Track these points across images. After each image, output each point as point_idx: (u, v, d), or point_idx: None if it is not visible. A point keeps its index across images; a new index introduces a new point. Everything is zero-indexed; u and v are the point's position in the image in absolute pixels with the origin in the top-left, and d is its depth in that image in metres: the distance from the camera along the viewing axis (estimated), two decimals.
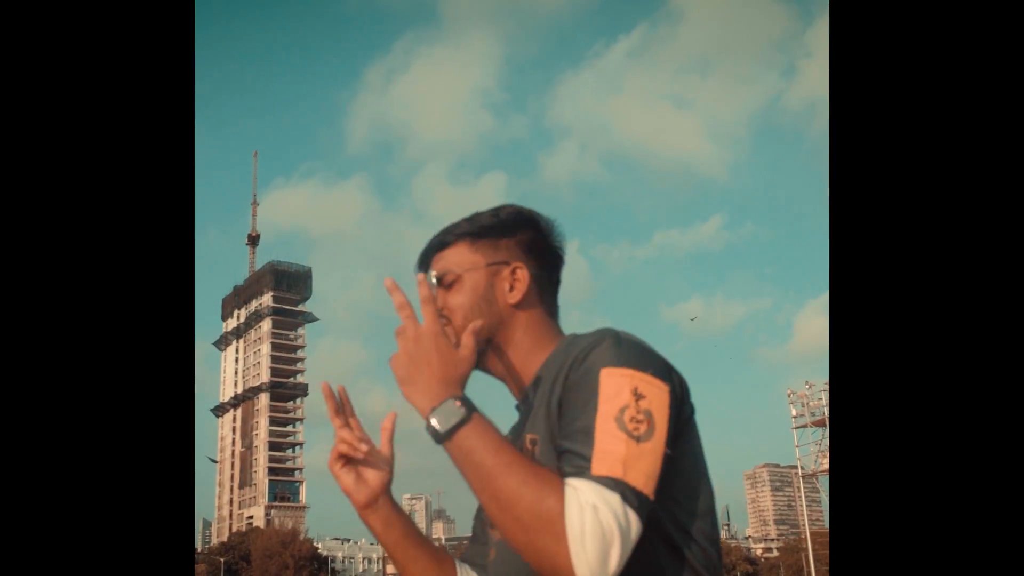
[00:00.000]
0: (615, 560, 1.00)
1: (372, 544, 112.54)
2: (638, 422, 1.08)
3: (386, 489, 1.31)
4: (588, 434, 1.07)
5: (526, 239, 1.35)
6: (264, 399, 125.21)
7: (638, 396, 1.09)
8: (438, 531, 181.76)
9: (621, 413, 1.08)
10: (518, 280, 1.32)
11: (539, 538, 1.02)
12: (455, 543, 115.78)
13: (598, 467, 1.04)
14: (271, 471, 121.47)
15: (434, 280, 1.34)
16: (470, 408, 1.12)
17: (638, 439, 1.07)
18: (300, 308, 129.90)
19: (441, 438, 1.11)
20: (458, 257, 1.34)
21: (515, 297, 1.31)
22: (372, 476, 1.30)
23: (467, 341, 1.22)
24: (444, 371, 1.16)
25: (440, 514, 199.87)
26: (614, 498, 1.02)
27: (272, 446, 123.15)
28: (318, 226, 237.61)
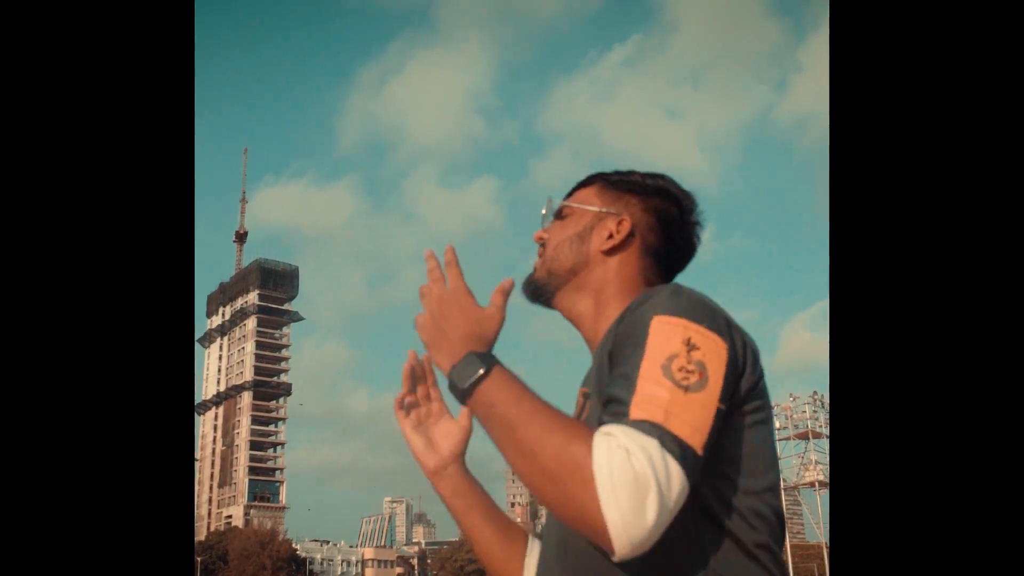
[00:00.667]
0: (652, 511, 0.90)
1: (351, 546, 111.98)
2: (688, 372, 1.00)
3: (457, 458, 1.31)
4: (630, 380, 1.00)
5: (653, 204, 1.34)
6: (247, 398, 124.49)
7: (690, 346, 1.02)
8: (418, 535, 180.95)
9: (669, 361, 1.00)
10: (619, 232, 1.31)
11: (566, 487, 0.93)
12: (435, 547, 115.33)
13: (636, 412, 0.96)
14: (251, 470, 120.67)
15: (544, 212, 1.39)
16: (491, 362, 1.06)
17: (686, 388, 0.98)
18: (286, 307, 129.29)
19: (463, 395, 1.06)
20: (583, 196, 1.37)
21: (607, 245, 1.30)
22: (443, 443, 1.32)
23: (496, 300, 1.16)
24: (468, 328, 1.12)
25: (421, 518, 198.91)
26: (651, 443, 0.93)
27: (253, 445, 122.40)
28: (307, 225, 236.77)
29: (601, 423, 0.98)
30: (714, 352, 1.03)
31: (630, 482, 0.90)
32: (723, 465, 1.05)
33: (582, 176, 1.40)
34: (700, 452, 0.96)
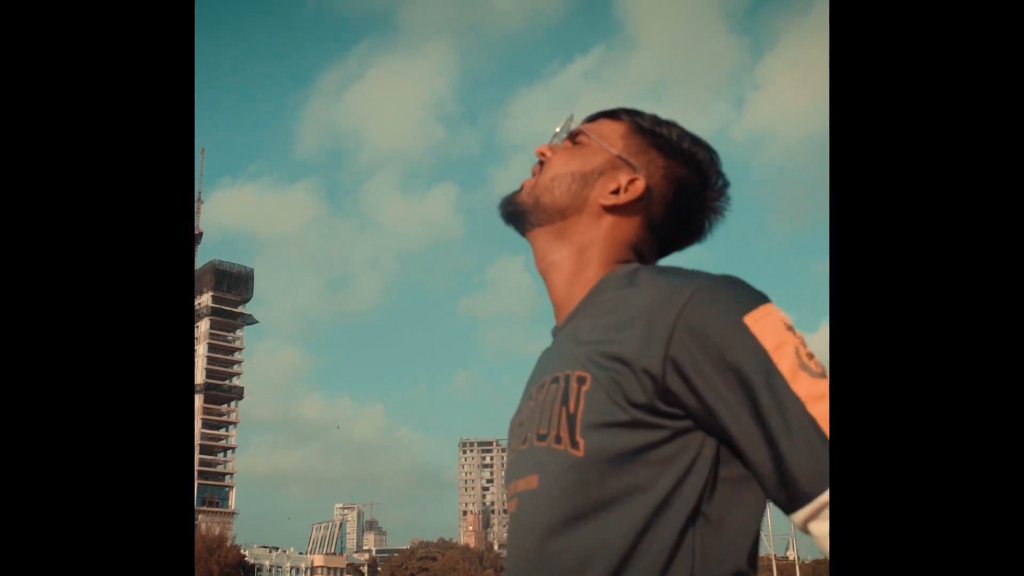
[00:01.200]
0: None
1: (301, 553, 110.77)
2: (811, 353, 0.93)
3: None
4: (798, 411, 0.88)
5: (677, 174, 1.16)
6: (198, 401, 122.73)
7: (791, 328, 0.94)
8: (369, 542, 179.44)
9: (797, 356, 0.91)
10: (627, 192, 1.13)
11: None
12: (386, 555, 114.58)
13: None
14: (201, 475, 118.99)
15: (558, 129, 1.21)
16: None
17: (823, 374, 0.91)
18: (240, 310, 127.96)
19: None
20: (606, 130, 1.18)
21: (609, 200, 1.13)
22: None
23: None
24: None
25: (372, 525, 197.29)
26: None
27: (203, 449, 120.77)
28: (263, 228, 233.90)
29: (806, 486, 0.87)
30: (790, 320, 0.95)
31: None
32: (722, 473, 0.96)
33: None
34: None
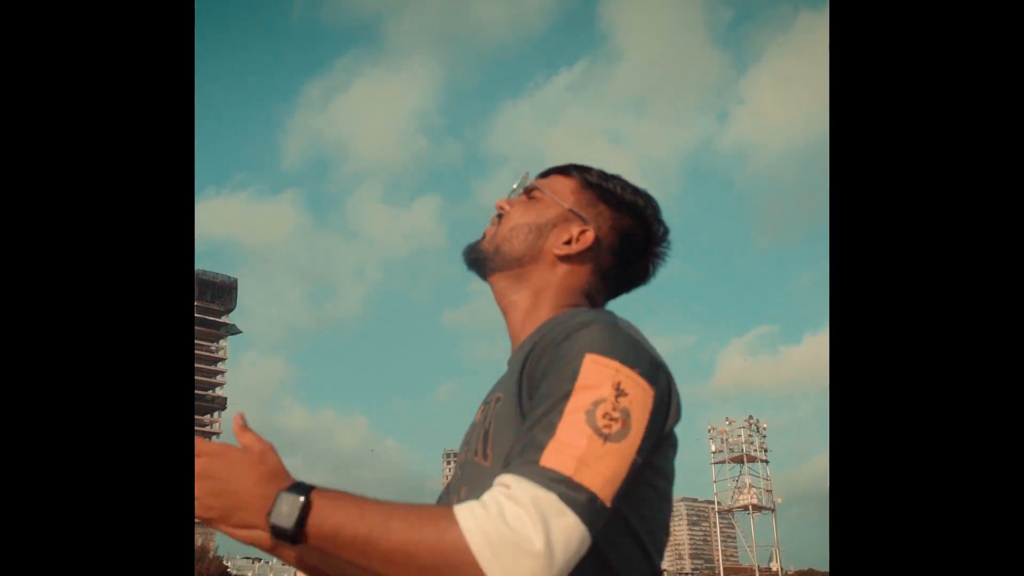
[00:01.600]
0: (541, 569, 0.84)
1: (284, 565, 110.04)
2: (612, 419, 0.95)
3: None
4: (551, 423, 0.95)
5: (622, 224, 1.28)
6: None
7: (619, 392, 0.97)
8: None
9: (595, 407, 0.95)
10: (578, 242, 1.25)
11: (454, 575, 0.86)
12: None
13: (547, 459, 0.91)
14: None
15: (515, 185, 1.32)
16: (304, 488, 0.92)
17: (606, 438, 0.94)
18: (224, 320, 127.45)
19: (295, 536, 0.90)
20: (558, 185, 1.30)
21: (562, 251, 1.24)
22: None
23: (248, 438, 0.99)
24: (258, 472, 0.95)
25: None
26: (547, 497, 0.88)
27: None
28: (248, 238, 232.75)
29: (507, 463, 0.95)
30: (642, 400, 0.98)
31: (509, 545, 0.85)
32: (632, 509, 1.03)
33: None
34: (608, 504, 0.92)
